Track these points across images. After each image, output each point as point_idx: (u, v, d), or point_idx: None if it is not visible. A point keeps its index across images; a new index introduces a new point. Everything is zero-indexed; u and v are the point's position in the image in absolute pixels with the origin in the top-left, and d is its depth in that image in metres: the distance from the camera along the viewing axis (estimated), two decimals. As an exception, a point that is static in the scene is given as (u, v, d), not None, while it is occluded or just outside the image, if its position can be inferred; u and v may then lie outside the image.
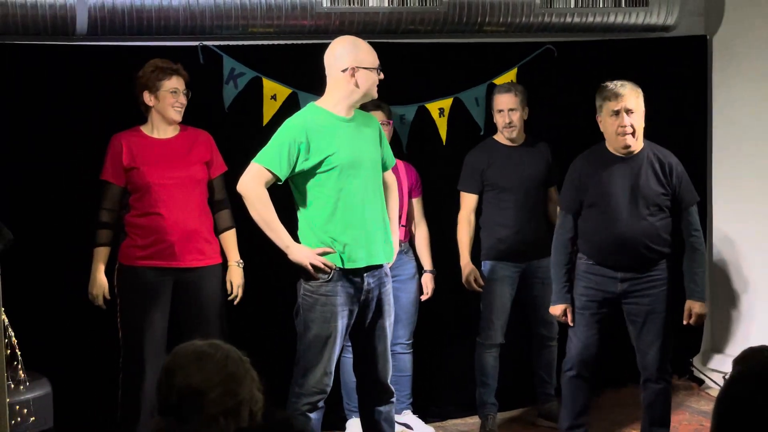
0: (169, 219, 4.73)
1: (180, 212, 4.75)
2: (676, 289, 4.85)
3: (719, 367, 6.12)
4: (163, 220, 4.73)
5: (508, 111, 5.39)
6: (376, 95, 4.42)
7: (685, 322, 4.90)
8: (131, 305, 4.76)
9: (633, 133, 4.70)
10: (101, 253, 4.79)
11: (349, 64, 4.29)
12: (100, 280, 4.77)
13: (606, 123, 4.76)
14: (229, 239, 4.93)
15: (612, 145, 4.78)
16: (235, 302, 4.89)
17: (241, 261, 4.93)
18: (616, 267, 4.76)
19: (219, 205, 4.92)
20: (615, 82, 4.76)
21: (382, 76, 4.37)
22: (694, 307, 4.84)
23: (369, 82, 4.32)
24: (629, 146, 4.73)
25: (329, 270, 4.25)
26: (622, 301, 4.81)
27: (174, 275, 4.77)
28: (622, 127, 4.69)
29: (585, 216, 4.83)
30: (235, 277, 4.91)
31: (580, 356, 4.86)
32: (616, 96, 4.70)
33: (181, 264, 4.76)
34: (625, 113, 4.68)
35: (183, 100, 4.82)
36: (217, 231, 4.92)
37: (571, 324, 4.87)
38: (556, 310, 4.91)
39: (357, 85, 4.30)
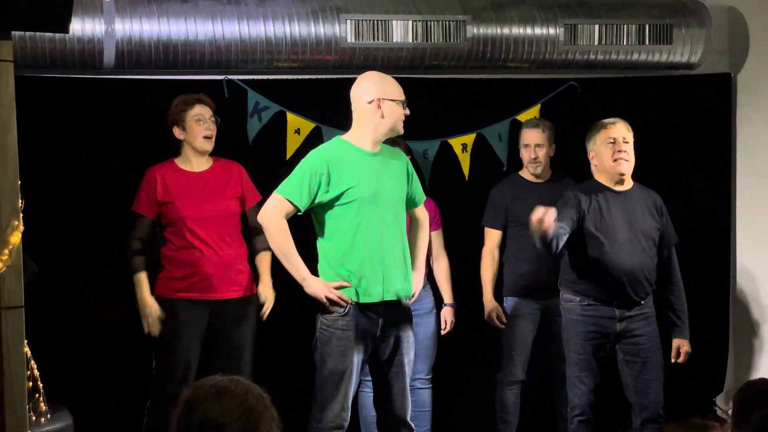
0: (205, 252, 4.77)
1: (215, 245, 4.78)
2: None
3: (742, 407, 6.05)
4: (199, 253, 4.76)
5: (534, 146, 5.38)
6: (402, 130, 4.41)
7: (673, 360, 4.89)
8: (168, 336, 4.77)
9: (628, 161, 4.75)
10: (143, 278, 4.79)
11: (375, 95, 4.31)
12: (151, 303, 4.76)
13: (601, 153, 4.81)
14: (265, 259, 4.91)
15: (607, 174, 4.81)
16: (264, 317, 4.91)
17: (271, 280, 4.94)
18: (615, 303, 4.73)
19: (256, 230, 4.83)
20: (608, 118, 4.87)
21: (407, 111, 4.38)
22: (683, 345, 4.86)
23: (395, 114, 4.33)
24: (624, 173, 4.77)
25: (345, 304, 4.25)
26: (621, 341, 4.78)
27: (210, 306, 4.79)
28: (618, 152, 4.74)
29: (579, 251, 4.77)
30: (269, 294, 4.91)
31: (588, 400, 4.82)
32: (612, 124, 4.79)
33: (217, 296, 4.79)
34: (622, 141, 4.74)
35: (211, 126, 4.84)
36: (255, 252, 4.93)
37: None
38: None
39: (383, 116, 4.31)
